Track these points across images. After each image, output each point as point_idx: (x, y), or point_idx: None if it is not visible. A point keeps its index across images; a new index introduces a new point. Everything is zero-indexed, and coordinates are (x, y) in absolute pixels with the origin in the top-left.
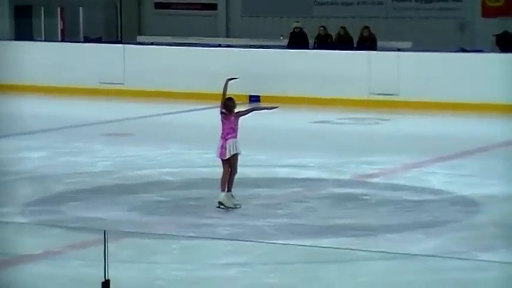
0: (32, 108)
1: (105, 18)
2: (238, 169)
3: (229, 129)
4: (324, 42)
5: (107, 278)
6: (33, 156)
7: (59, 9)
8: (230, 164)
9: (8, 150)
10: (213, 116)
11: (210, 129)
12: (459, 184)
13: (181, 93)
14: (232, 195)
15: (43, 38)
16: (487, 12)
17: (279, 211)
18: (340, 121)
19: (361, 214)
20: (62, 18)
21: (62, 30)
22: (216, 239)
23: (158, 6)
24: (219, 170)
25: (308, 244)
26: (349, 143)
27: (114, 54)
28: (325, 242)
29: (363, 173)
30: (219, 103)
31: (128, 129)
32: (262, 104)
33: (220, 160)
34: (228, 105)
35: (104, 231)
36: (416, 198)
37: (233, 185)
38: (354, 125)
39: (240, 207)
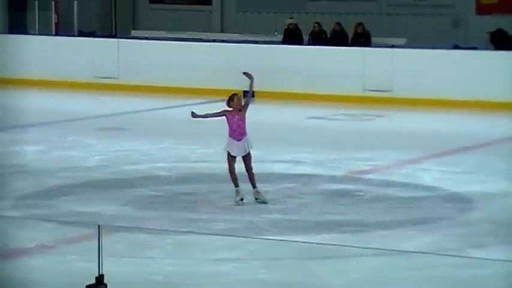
0: (26, 102)
1: (99, 12)
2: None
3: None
4: (319, 38)
5: (100, 273)
6: (27, 150)
7: (53, 2)
8: None
9: (2, 144)
10: (207, 110)
11: (204, 125)
12: (453, 181)
13: (175, 88)
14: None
15: (37, 32)
16: (481, 9)
17: (273, 207)
18: (334, 117)
19: (355, 210)
20: (56, 12)
21: (56, 24)
22: (210, 234)
23: (153, 0)
24: (213, 165)
25: (302, 240)
26: (343, 139)
27: (109, 48)
28: (319, 238)
29: (357, 169)
30: (214, 98)
31: (122, 123)
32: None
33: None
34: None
35: (99, 226)
36: (410, 194)
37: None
38: (348, 121)
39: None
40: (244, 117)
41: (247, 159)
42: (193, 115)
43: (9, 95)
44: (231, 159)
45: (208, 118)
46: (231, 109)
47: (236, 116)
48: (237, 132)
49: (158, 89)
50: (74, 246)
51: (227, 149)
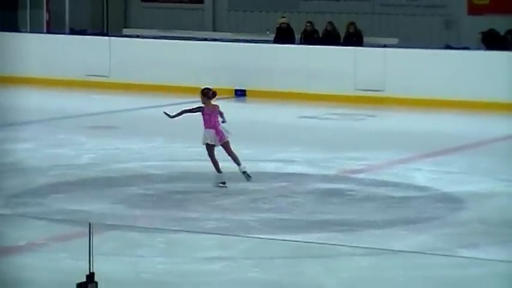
0: (16, 100)
1: (91, 10)
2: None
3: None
4: (311, 38)
5: (91, 271)
6: (17, 148)
7: (44, 0)
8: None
9: None
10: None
11: (195, 123)
12: (444, 181)
13: (166, 86)
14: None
15: (28, 30)
16: (473, 9)
17: (265, 205)
18: (326, 116)
19: (346, 210)
20: (48, 10)
21: (48, 22)
22: (201, 233)
23: None
24: (203, 164)
25: (293, 239)
26: (335, 139)
27: (100, 46)
28: (310, 237)
29: (349, 168)
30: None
31: (113, 122)
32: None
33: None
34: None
35: (89, 224)
36: (401, 194)
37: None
38: (340, 120)
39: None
40: (212, 112)
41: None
42: (168, 115)
43: (0, 92)
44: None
45: (182, 113)
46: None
47: (206, 111)
48: (206, 124)
49: (149, 87)
50: (65, 244)
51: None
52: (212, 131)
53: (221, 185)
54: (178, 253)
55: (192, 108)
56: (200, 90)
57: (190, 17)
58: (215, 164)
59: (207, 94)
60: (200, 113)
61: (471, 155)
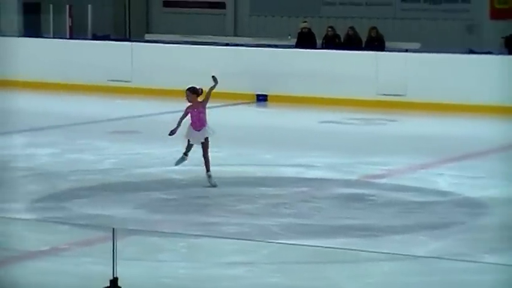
0: (39, 105)
1: (113, 15)
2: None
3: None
4: (332, 42)
5: (115, 276)
6: (40, 153)
7: (67, 6)
8: None
9: (16, 147)
10: (220, 114)
11: (216, 128)
12: (466, 186)
13: None
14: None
15: (51, 35)
16: (495, 14)
17: (286, 210)
18: (347, 121)
19: (368, 215)
20: (71, 15)
21: (70, 28)
22: (223, 237)
23: (166, 4)
24: (224, 169)
25: (314, 244)
26: (356, 144)
27: (122, 52)
28: (331, 242)
29: (370, 173)
30: (226, 102)
31: (134, 127)
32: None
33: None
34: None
35: (113, 229)
36: (422, 199)
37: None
38: (361, 125)
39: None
40: (204, 109)
41: (204, 146)
42: (171, 133)
43: (23, 97)
44: (189, 145)
45: (181, 123)
46: (190, 104)
47: (195, 110)
48: (197, 124)
49: (171, 92)
50: (87, 249)
51: (187, 137)
52: (203, 128)
53: (213, 183)
54: (200, 258)
55: (185, 114)
56: (186, 89)
57: (211, 22)
58: (209, 161)
59: (197, 91)
60: (188, 113)
61: (493, 159)
